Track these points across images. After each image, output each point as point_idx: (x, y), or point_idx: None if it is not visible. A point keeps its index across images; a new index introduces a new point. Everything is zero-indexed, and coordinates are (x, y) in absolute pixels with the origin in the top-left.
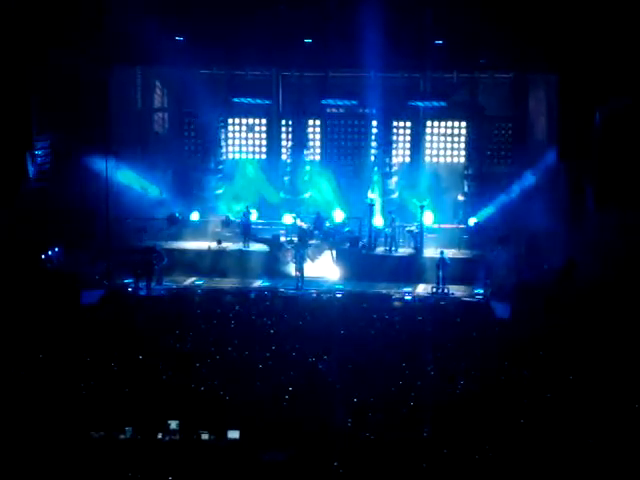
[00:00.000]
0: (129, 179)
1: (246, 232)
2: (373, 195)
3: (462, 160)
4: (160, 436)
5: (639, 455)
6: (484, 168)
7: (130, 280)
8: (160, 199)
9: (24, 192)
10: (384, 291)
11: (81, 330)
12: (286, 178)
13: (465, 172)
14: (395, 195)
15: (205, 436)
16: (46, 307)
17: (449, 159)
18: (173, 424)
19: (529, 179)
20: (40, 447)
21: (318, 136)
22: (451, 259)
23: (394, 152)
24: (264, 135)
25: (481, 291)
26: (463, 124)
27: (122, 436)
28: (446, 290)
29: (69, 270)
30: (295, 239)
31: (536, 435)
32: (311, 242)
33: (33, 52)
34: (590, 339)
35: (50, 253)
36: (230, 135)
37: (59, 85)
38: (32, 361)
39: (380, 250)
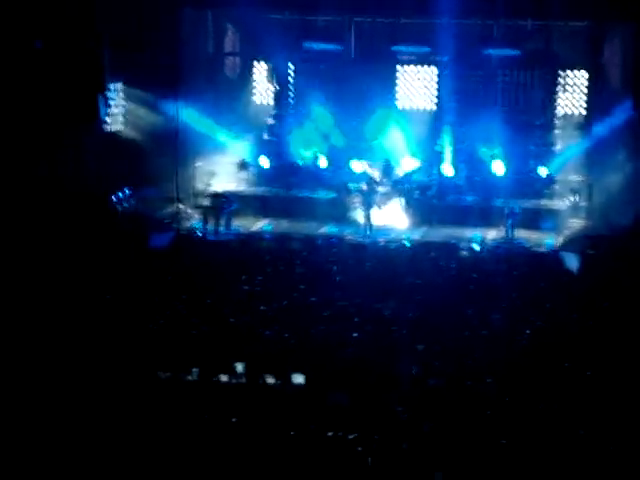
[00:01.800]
0: (199, 123)
1: (315, 178)
2: (443, 143)
3: (535, 109)
4: (226, 379)
5: None
6: (556, 117)
7: (199, 224)
8: (230, 143)
9: (95, 134)
10: (453, 240)
11: (149, 273)
12: (356, 124)
13: (537, 122)
14: (465, 144)
15: (270, 380)
16: (115, 249)
17: (521, 108)
18: (239, 367)
19: (602, 129)
20: (108, 387)
21: (389, 83)
22: (521, 208)
23: (466, 100)
24: (335, 81)
25: (551, 241)
26: (536, 73)
27: (188, 377)
28: (515, 240)
29: (138, 212)
30: (364, 186)
31: (601, 388)
32: (380, 190)
33: None
34: None
35: (120, 195)
36: (301, 81)
37: (131, 28)
38: (100, 302)
39: (449, 199)
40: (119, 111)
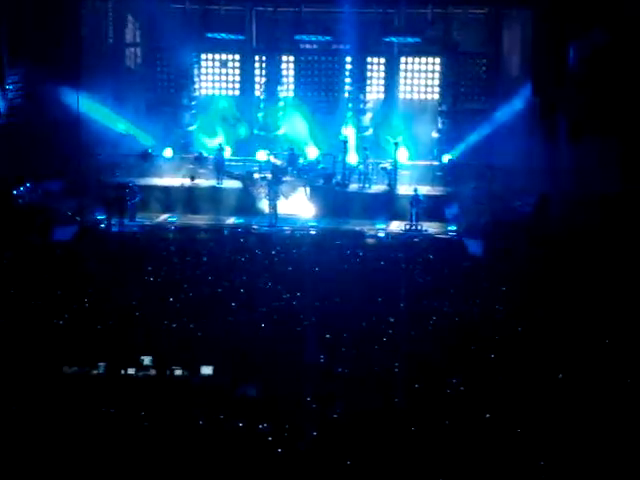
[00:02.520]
0: (101, 114)
1: (219, 169)
2: (347, 132)
3: (436, 97)
4: (133, 372)
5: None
6: (458, 105)
7: (103, 216)
8: (132, 135)
9: None
10: (357, 228)
11: (53, 266)
12: (260, 114)
13: (439, 109)
14: (369, 132)
15: (179, 372)
16: (18, 243)
17: (423, 96)
18: (146, 360)
19: (502, 115)
20: (12, 383)
21: (292, 72)
22: (425, 196)
23: (368, 89)
24: (237, 71)
25: (454, 228)
26: (437, 60)
27: (95, 372)
28: (419, 227)
29: (41, 206)
30: (269, 176)
31: (508, 371)
32: (285, 179)
33: None
34: (562, 273)
35: (22, 189)
36: (203, 71)
37: (30, 18)
38: (4, 296)
39: (354, 187)
40: (19, 103)
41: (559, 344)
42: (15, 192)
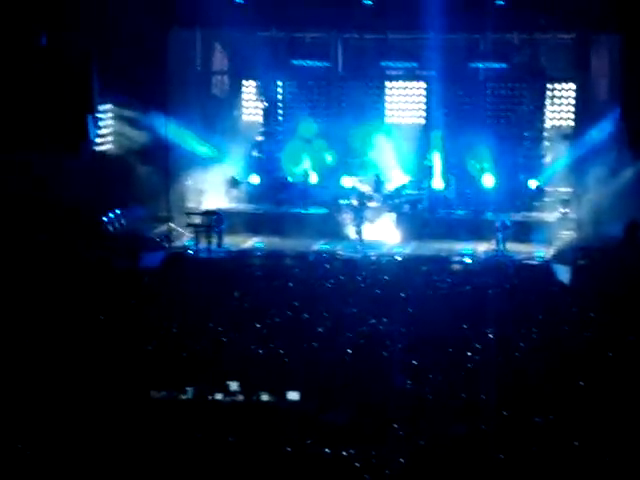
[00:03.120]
0: (188, 141)
1: (305, 195)
2: (432, 157)
3: (523, 122)
4: (220, 397)
5: None
6: (545, 130)
7: (190, 243)
8: (219, 161)
9: (85, 154)
10: (443, 253)
11: (141, 292)
12: (345, 141)
13: (526, 134)
14: (455, 157)
15: (265, 397)
16: (107, 269)
17: (510, 121)
18: (233, 385)
19: (590, 140)
20: (102, 407)
21: (378, 98)
22: (512, 221)
23: (454, 114)
24: (324, 98)
25: (542, 253)
26: (524, 85)
27: (183, 397)
28: (506, 252)
29: (129, 232)
30: (355, 202)
31: (598, 400)
32: (370, 205)
33: (93, 14)
34: None
35: (111, 215)
36: (290, 98)
37: (120, 47)
38: (94, 323)
39: (440, 213)
40: (109, 131)
41: None
42: (104, 219)
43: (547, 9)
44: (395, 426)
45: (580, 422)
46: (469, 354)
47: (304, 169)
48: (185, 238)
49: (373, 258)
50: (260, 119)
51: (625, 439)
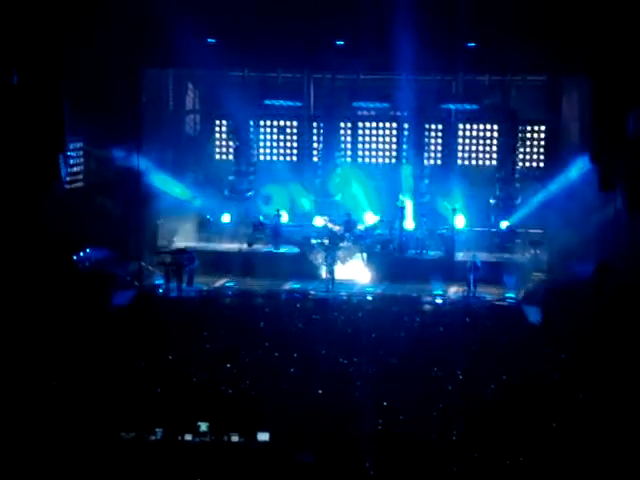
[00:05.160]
0: (160, 180)
1: (277, 234)
2: (404, 198)
3: (494, 163)
4: (190, 438)
5: None
6: (516, 171)
7: (161, 281)
8: (190, 201)
9: (56, 193)
10: (415, 294)
11: (112, 331)
12: (317, 180)
13: (497, 175)
14: (426, 198)
15: (235, 438)
16: (77, 308)
17: (481, 162)
18: (203, 426)
19: (560, 183)
20: (70, 448)
21: (349, 138)
22: (483, 262)
23: (426, 155)
24: (295, 137)
25: (512, 295)
26: (495, 127)
27: (152, 437)
28: (477, 293)
29: (101, 271)
30: (326, 241)
31: (567, 440)
32: (342, 244)
33: (64, 53)
34: (623, 344)
35: (82, 254)
36: (261, 137)
37: (91, 88)
38: (62, 361)
39: (411, 253)
40: (80, 169)
41: (621, 413)
42: (75, 257)
43: (518, 52)
44: (366, 465)
45: (550, 463)
46: (440, 395)
47: (276, 208)
48: (156, 277)
49: (344, 298)
50: (232, 158)
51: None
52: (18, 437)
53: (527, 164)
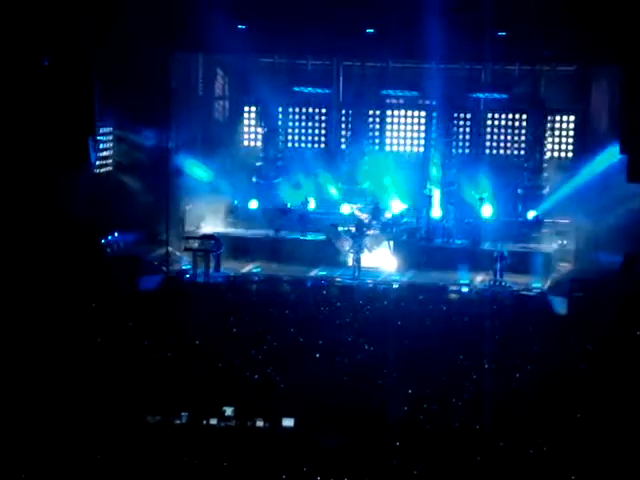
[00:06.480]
0: (188, 165)
1: (304, 221)
2: (431, 187)
3: (522, 153)
4: (215, 422)
5: None
6: (544, 161)
7: (188, 267)
8: (218, 186)
9: (85, 177)
10: (441, 283)
11: (139, 315)
12: (345, 168)
13: (525, 165)
14: (454, 187)
15: (260, 423)
16: (105, 291)
17: (509, 151)
18: (228, 410)
19: (589, 172)
20: (97, 431)
21: (378, 126)
22: (509, 252)
23: (454, 144)
24: (323, 125)
25: (539, 285)
26: (524, 117)
27: (178, 421)
28: (503, 283)
29: (128, 255)
30: (353, 229)
31: (593, 430)
32: (369, 232)
33: (95, 36)
34: None
35: (110, 238)
36: (290, 124)
37: (121, 71)
38: (90, 345)
39: (438, 242)
40: (109, 153)
41: None
42: (103, 241)
43: (548, 41)
44: (388, 453)
45: (575, 454)
46: (465, 383)
47: (303, 195)
48: (183, 262)
49: (370, 285)
50: (260, 145)
51: (620, 470)
52: (47, 419)
53: (555, 154)
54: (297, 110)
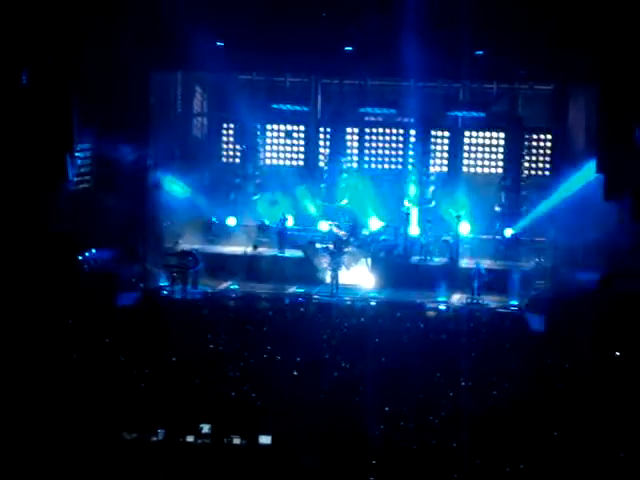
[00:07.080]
0: (168, 182)
1: (282, 238)
2: (409, 204)
3: (500, 171)
4: (192, 439)
5: None
6: (521, 179)
7: (166, 283)
8: (196, 203)
9: (63, 193)
10: (418, 300)
11: (116, 331)
12: (323, 185)
13: (502, 183)
14: (432, 204)
15: (237, 440)
16: (82, 308)
17: (487, 169)
18: (205, 428)
19: (566, 191)
20: (72, 448)
21: (356, 144)
22: (487, 270)
23: (431, 161)
24: (302, 142)
25: (516, 303)
26: (501, 135)
27: (154, 438)
28: (481, 301)
29: (106, 272)
30: (331, 246)
31: (570, 448)
32: (346, 249)
33: (73, 54)
34: (627, 354)
35: (87, 254)
36: (268, 141)
37: (100, 88)
38: (66, 361)
39: (415, 259)
40: (87, 170)
41: (623, 423)
42: (81, 258)
43: (526, 60)
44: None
45: (551, 472)
46: (442, 401)
47: (281, 212)
48: (161, 279)
49: (348, 302)
50: (239, 161)
51: None
52: (19, 437)
53: (533, 172)
54: (275, 127)
